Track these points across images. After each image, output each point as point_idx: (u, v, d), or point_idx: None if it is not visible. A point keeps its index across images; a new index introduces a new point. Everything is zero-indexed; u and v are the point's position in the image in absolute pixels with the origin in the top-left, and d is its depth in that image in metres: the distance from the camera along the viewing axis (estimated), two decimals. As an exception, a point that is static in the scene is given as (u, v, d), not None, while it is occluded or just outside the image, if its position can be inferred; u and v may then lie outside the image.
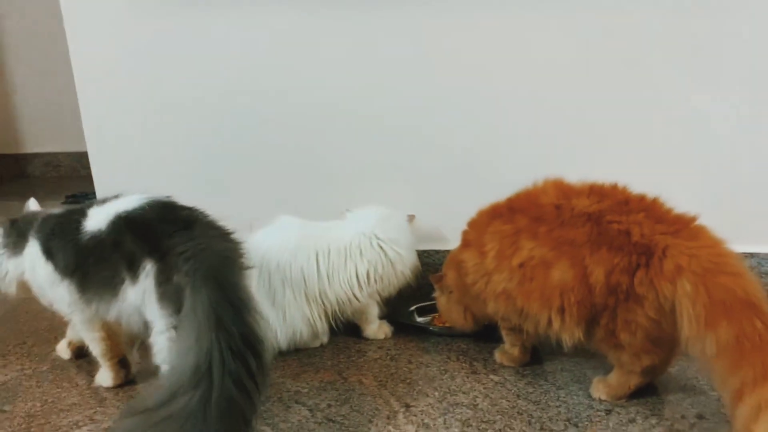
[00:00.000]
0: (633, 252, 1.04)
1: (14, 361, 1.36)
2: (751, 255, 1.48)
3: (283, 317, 1.33)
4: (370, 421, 1.11)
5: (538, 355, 1.31)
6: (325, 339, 1.41)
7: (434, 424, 1.10)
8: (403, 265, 1.43)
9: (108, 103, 1.65)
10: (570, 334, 1.12)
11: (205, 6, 1.54)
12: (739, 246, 1.43)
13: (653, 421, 1.09)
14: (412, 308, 1.52)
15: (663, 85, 1.45)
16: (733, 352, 0.95)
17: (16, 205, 1.55)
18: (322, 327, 1.38)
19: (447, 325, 1.42)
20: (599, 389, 1.18)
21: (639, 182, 1.13)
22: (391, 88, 1.54)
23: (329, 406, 1.16)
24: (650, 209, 1.09)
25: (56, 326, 1.51)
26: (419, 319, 1.50)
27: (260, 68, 1.57)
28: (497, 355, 1.32)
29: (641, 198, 1.12)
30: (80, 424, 1.11)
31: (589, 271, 1.07)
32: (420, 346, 1.40)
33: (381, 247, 1.40)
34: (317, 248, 1.35)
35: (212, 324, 0.88)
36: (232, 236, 1.08)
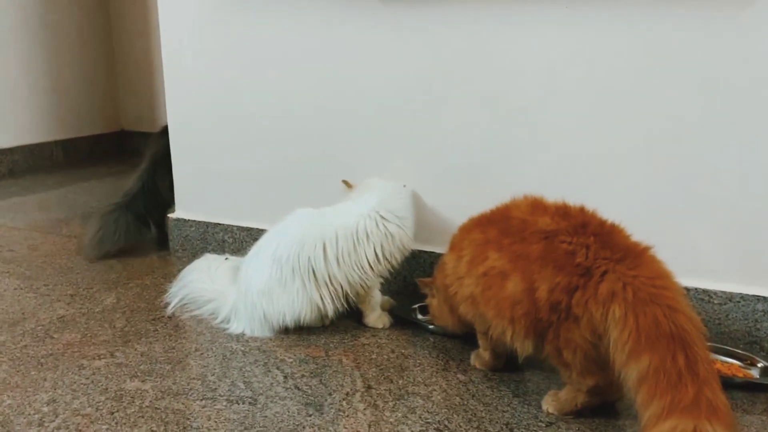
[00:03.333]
0: (574, 273, 1.09)
1: (78, 300, 1.67)
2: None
3: (292, 302, 1.48)
4: (330, 395, 1.25)
5: (515, 364, 1.37)
6: (331, 319, 1.54)
7: (383, 406, 1.21)
8: (408, 238, 1.54)
9: (191, 95, 1.93)
10: (521, 346, 1.18)
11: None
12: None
13: (588, 439, 1.13)
14: (415, 306, 1.63)
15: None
16: (650, 384, 0.97)
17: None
18: (331, 308, 1.50)
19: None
20: (549, 402, 1.22)
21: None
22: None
23: (302, 376, 1.32)
24: (604, 234, 1.12)
25: (121, 279, 1.82)
26: (420, 317, 1.60)
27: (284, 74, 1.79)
28: (472, 357, 1.40)
29: (602, 223, 1.16)
30: (101, 356, 1.37)
31: (535, 287, 1.13)
32: (411, 340, 1.51)
33: (386, 227, 1.50)
34: (324, 237, 1.47)
35: None
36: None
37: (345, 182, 1.64)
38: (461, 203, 1.47)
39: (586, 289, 1.07)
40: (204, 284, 1.65)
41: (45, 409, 1.17)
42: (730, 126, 1.39)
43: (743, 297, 1.43)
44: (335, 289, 1.50)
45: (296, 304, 1.48)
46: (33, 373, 1.30)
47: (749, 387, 1.30)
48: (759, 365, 1.35)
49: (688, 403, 0.93)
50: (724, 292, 1.44)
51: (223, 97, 1.89)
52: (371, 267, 1.50)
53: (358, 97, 1.72)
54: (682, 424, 0.91)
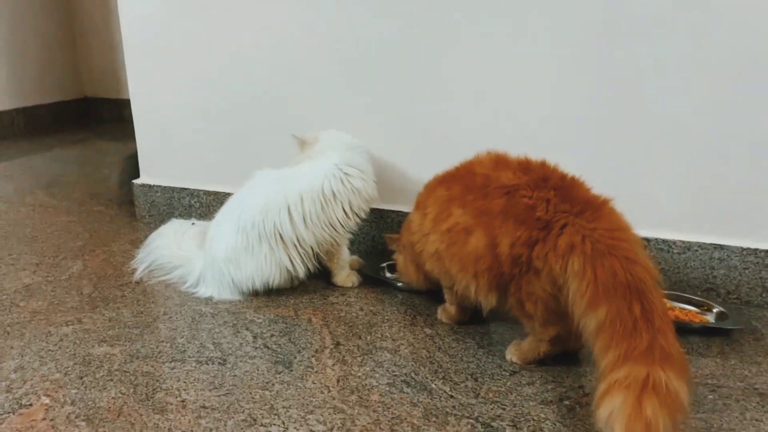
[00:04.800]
0: (534, 227, 1.10)
1: (43, 269, 1.65)
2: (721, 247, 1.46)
3: (260, 267, 1.48)
4: (299, 352, 1.27)
5: (480, 317, 1.39)
6: (301, 279, 1.55)
7: (352, 362, 1.23)
8: (373, 189, 1.55)
9: (151, 60, 1.89)
10: (485, 299, 1.21)
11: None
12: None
13: (550, 386, 1.16)
14: (383, 264, 1.65)
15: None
16: (607, 333, 0.99)
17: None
18: (302, 269, 1.51)
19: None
20: (512, 352, 1.26)
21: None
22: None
23: (272, 335, 1.33)
24: (564, 188, 1.13)
25: (87, 247, 1.81)
26: (388, 275, 1.62)
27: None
28: (439, 312, 1.43)
29: (562, 177, 1.17)
30: (69, 323, 1.37)
31: (497, 241, 1.14)
32: (379, 297, 1.53)
33: (351, 183, 1.50)
34: (288, 201, 1.47)
35: None
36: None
37: (296, 137, 1.61)
38: (428, 162, 1.47)
39: (546, 242, 1.09)
40: (171, 250, 1.64)
41: (12, 376, 1.17)
42: (685, 79, 1.41)
43: (701, 246, 1.47)
44: (305, 250, 1.50)
45: (265, 268, 1.49)
46: (-1, 341, 1.30)
47: (705, 331, 1.35)
48: (714, 310, 1.40)
49: (643, 350, 0.95)
50: (683, 242, 1.48)
51: (184, 62, 1.85)
52: (341, 224, 1.51)
53: (318, 59, 1.70)
54: (636, 371, 0.93)
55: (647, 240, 1.49)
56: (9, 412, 1.06)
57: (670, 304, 1.43)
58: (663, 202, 1.49)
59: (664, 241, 1.50)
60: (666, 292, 1.46)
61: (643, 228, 1.43)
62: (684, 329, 1.34)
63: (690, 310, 1.42)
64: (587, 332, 1.03)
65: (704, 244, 1.47)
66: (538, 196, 1.13)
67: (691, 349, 1.29)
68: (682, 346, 1.25)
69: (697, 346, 1.30)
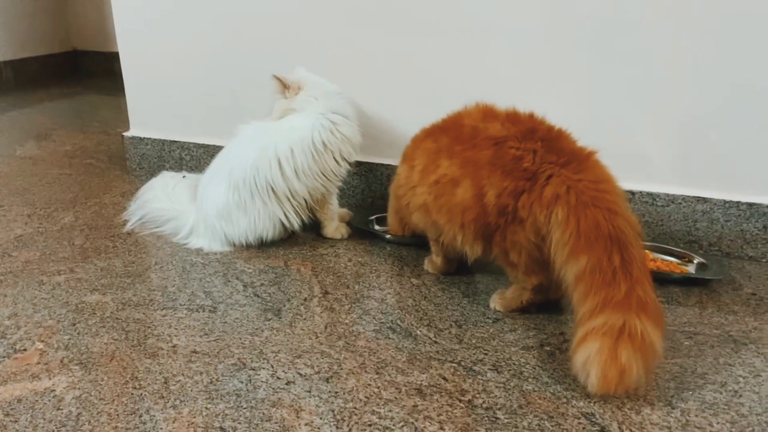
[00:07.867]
0: (521, 177, 1.12)
1: (35, 220, 1.67)
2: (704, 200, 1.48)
3: (254, 223, 1.50)
4: (288, 300, 1.29)
5: (466, 268, 1.42)
6: (296, 230, 1.56)
7: (339, 309, 1.26)
8: (358, 132, 1.55)
9: (139, 12, 1.87)
10: (471, 249, 1.23)
11: None
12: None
13: (531, 333, 1.20)
14: (372, 217, 1.67)
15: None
16: (586, 282, 1.01)
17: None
18: (296, 221, 1.52)
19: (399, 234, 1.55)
20: (496, 300, 1.28)
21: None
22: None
23: (262, 284, 1.36)
24: (551, 139, 1.14)
25: (78, 199, 1.82)
26: (377, 227, 1.64)
27: None
28: (425, 263, 1.45)
29: (550, 129, 1.18)
30: (61, 272, 1.39)
31: (484, 192, 1.16)
32: (367, 249, 1.55)
33: (341, 132, 1.50)
34: (279, 155, 1.47)
35: None
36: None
37: (278, 78, 1.53)
38: (417, 115, 1.46)
39: (532, 192, 1.11)
40: (162, 203, 1.65)
41: (7, 322, 1.19)
42: (673, 30, 1.40)
43: (684, 199, 1.49)
44: (297, 202, 1.51)
45: (258, 223, 1.50)
46: (-7, 289, 1.31)
47: (685, 282, 1.38)
48: (695, 261, 1.43)
49: (620, 299, 0.97)
50: (667, 195, 1.50)
51: (171, 15, 1.83)
52: (333, 173, 1.52)
53: (303, 10, 1.68)
54: (613, 319, 0.96)
55: (632, 193, 1.51)
56: (4, 357, 1.09)
57: (652, 255, 1.46)
58: (649, 154, 1.50)
59: (648, 193, 1.51)
60: (648, 243, 1.49)
61: (629, 181, 1.45)
62: (665, 279, 1.37)
63: (671, 262, 1.45)
64: (568, 281, 1.06)
65: (687, 197, 1.49)
66: (525, 147, 1.14)
67: (671, 299, 1.32)
68: (661, 296, 1.30)
69: (676, 296, 1.34)
